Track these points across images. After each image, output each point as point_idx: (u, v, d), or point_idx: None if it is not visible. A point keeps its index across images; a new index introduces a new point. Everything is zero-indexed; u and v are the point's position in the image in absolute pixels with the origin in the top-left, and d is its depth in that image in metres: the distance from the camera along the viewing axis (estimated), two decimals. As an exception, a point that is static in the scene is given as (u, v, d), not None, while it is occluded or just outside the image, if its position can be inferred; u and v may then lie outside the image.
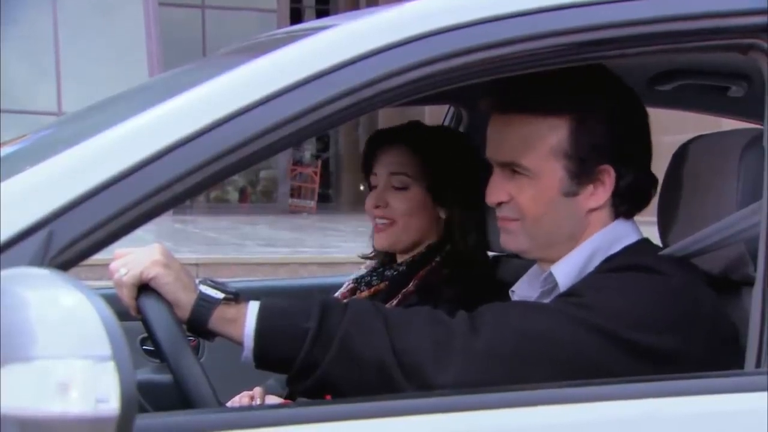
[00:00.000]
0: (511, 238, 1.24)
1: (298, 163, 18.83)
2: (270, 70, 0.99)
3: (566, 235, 1.21)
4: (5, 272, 0.79)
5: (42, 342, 0.74)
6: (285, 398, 1.46)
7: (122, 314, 0.92)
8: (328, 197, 19.52)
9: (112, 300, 1.03)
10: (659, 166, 1.26)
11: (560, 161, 1.18)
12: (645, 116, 1.24)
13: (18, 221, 0.88)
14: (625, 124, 1.20)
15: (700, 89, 1.46)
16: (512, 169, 1.20)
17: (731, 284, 1.19)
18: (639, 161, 1.22)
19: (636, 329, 1.07)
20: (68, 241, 0.89)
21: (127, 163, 0.92)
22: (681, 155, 1.26)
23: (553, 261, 1.23)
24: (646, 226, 1.25)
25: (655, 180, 1.25)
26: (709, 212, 1.17)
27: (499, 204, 1.23)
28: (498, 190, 1.22)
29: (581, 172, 1.18)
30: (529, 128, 1.19)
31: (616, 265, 1.17)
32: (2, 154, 1.25)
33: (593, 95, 1.19)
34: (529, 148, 1.18)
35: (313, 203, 16.56)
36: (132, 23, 11.39)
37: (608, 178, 1.19)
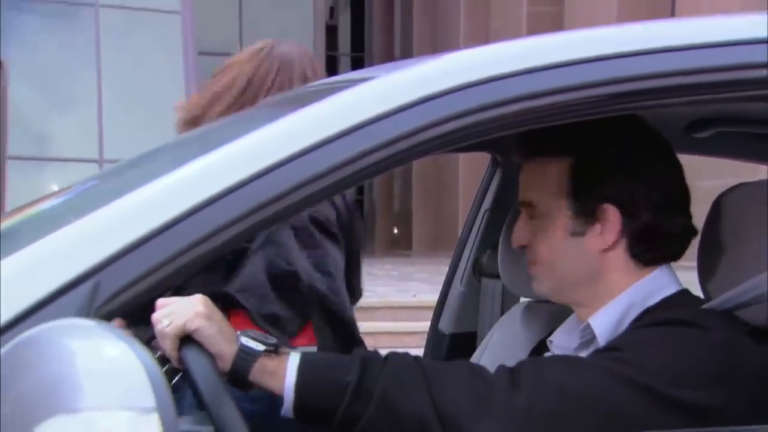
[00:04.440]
0: (536, 283, 1.28)
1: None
2: (310, 121, 1.01)
3: (583, 276, 1.23)
4: (53, 324, 0.81)
5: (87, 393, 0.75)
6: None
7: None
8: (362, 242, 19.48)
9: None
10: (694, 212, 1.25)
11: (564, 200, 1.22)
12: (659, 156, 1.24)
13: (65, 272, 0.90)
14: (630, 163, 1.21)
15: (738, 136, 1.45)
16: (530, 211, 1.26)
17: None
18: (653, 203, 1.21)
19: (677, 385, 1.06)
20: (113, 292, 0.90)
21: (169, 215, 0.94)
22: (721, 203, 1.25)
23: (580, 305, 1.24)
24: (685, 271, 1.24)
25: (686, 226, 1.24)
26: (751, 262, 1.15)
27: (522, 247, 1.28)
28: (519, 233, 1.28)
29: (583, 211, 1.21)
30: (540, 170, 1.25)
31: (655, 318, 1.16)
32: (48, 206, 1.28)
33: (595, 135, 1.21)
34: (539, 188, 1.24)
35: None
36: (172, 72, 11.60)
37: (613, 217, 1.20)
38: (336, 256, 1.83)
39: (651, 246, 1.22)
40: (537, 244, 1.25)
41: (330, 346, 1.77)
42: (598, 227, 1.20)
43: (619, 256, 1.21)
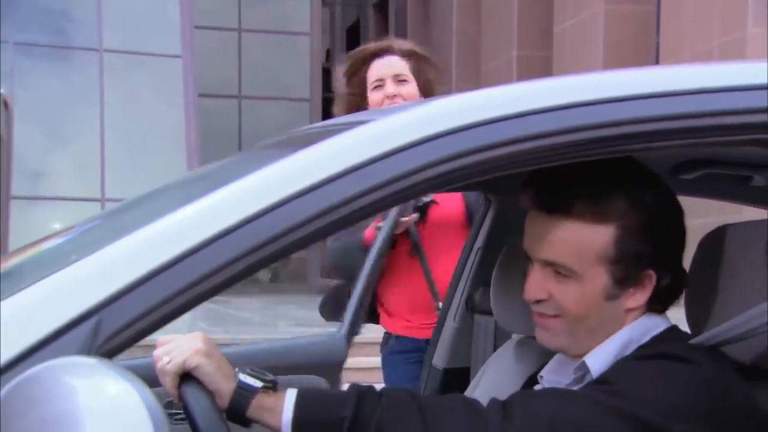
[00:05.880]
0: (549, 335, 1.26)
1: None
2: (310, 162, 1.03)
3: (604, 332, 1.23)
4: (55, 361, 0.83)
5: (89, 430, 0.77)
6: None
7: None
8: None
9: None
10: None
11: (604, 266, 1.20)
12: (683, 217, 1.26)
13: (67, 311, 0.92)
14: (667, 228, 1.23)
15: (724, 178, 1.47)
16: (555, 268, 1.22)
17: (761, 373, 1.18)
18: (677, 262, 1.24)
19: (668, 417, 1.07)
20: (115, 330, 0.92)
21: (170, 255, 0.96)
22: (707, 244, 1.27)
23: (584, 353, 1.24)
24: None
25: (687, 276, 1.27)
26: (738, 301, 1.17)
27: (538, 301, 1.25)
28: (538, 288, 1.23)
29: (625, 278, 1.21)
30: (575, 232, 1.20)
31: (646, 353, 1.18)
32: (52, 245, 1.30)
33: (639, 203, 1.21)
34: (574, 251, 1.20)
35: (344, 284, 16.41)
36: (172, 113, 11.69)
37: (649, 281, 1.22)
38: None
39: (667, 300, 1.25)
40: (564, 302, 1.21)
41: None
42: (631, 290, 1.21)
43: (640, 311, 1.23)
